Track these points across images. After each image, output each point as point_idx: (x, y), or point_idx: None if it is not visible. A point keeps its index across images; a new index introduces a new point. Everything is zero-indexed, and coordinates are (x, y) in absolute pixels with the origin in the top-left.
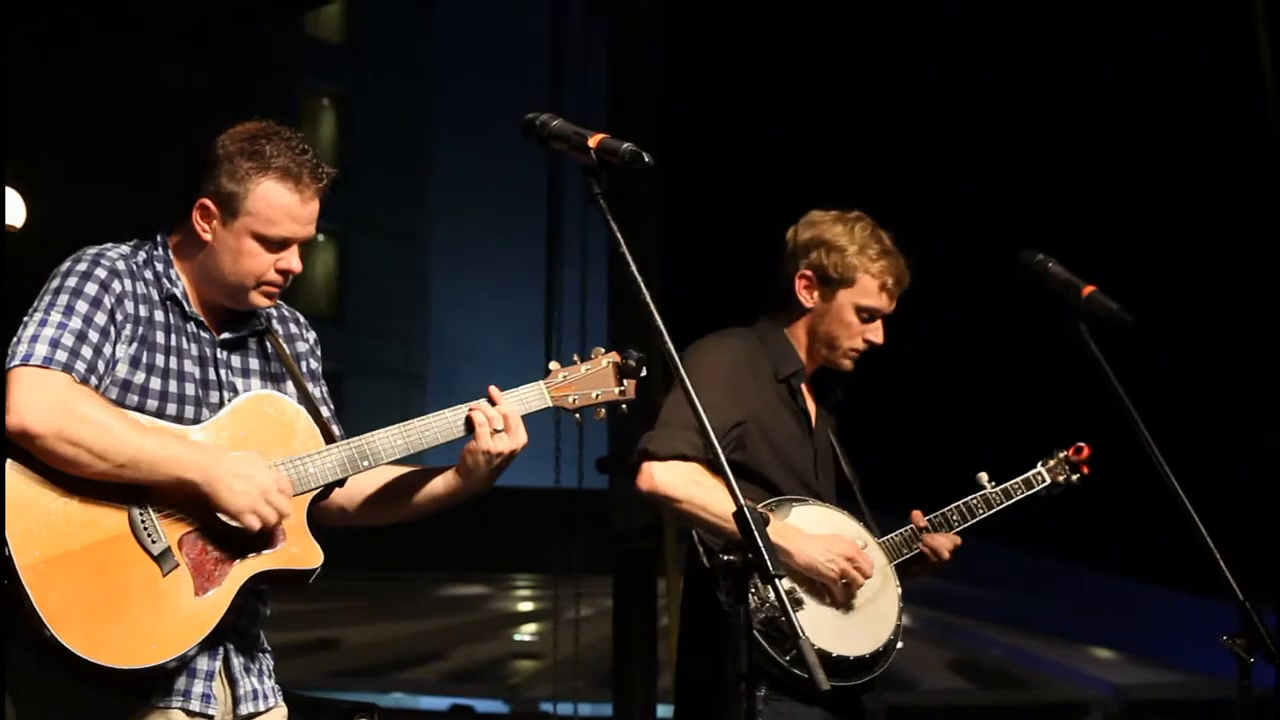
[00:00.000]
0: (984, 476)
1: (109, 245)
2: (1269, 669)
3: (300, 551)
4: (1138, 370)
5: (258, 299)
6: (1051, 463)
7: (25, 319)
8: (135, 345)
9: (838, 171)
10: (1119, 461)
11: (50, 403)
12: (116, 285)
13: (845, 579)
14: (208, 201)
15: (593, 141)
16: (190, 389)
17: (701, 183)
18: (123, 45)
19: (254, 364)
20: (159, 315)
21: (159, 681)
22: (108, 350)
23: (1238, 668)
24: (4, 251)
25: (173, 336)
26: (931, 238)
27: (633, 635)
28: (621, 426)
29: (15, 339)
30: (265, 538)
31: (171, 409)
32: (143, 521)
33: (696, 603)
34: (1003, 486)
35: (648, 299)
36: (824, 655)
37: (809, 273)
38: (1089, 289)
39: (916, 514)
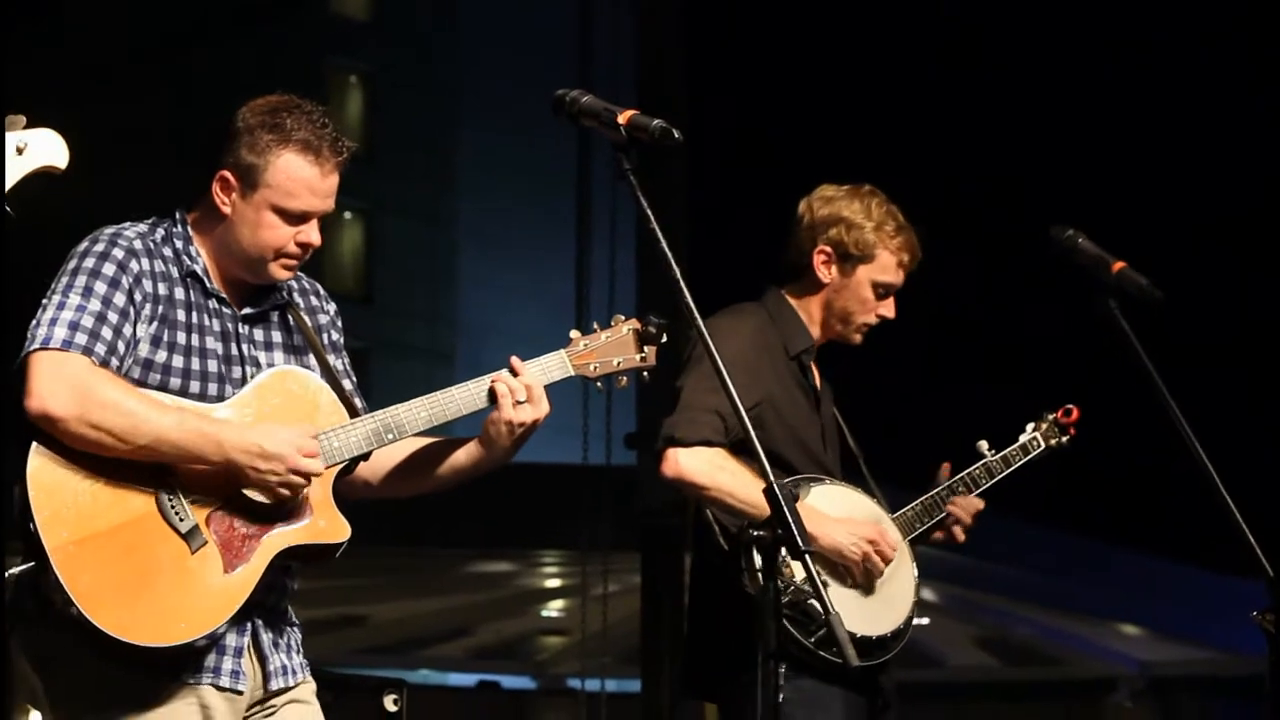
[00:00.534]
0: (984, 445)
1: (125, 224)
2: None
3: (328, 525)
4: (1167, 352)
5: (277, 272)
6: (1043, 426)
7: (43, 302)
8: (156, 324)
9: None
10: (1148, 438)
11: (71, 386)
12: (134, 264)
13: (868, 562)
14: (228, 174)
15: (623, 118)
16: (213, 366)
17: (731, 161)
18: (150, 26)
19: (276, 338)
20: (179, 293)
21: (189, 659)
22: (127, 330)
23: (1268, 644)
24: (5, 247)
25: (194, 314)
26: (945, 221)
27: (661, 611)
28: (649, 402)
29: (34, 322)
30: (292, 512)
31: (195, 387)
32: (170, 500)
33: (709, 583)
34: (1001, 454)
35: (677, 275)
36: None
37: (828, 249)
38: (1119, 265)
39: (946, 466)
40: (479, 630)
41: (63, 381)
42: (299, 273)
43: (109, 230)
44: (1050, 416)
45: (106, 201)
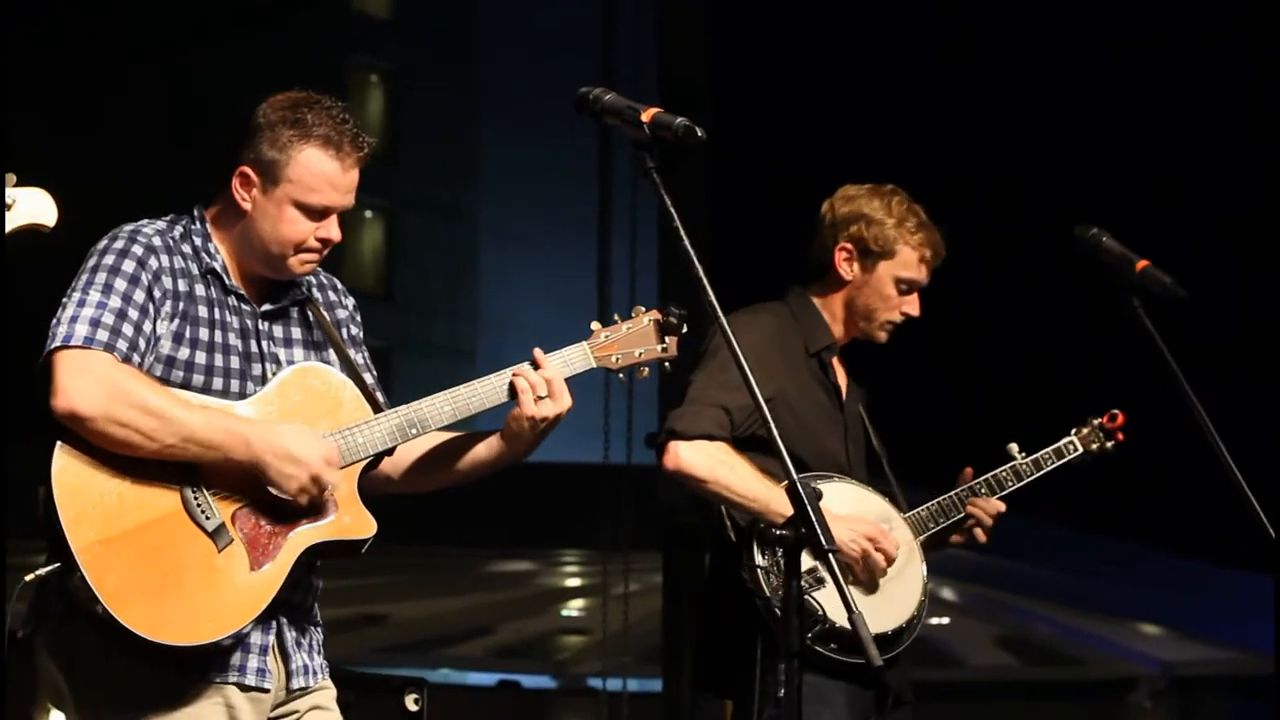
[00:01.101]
0: (1014, 447)
1: (145, 221)
2: None
3: (353, 521)
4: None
5: (297, 267)
6: (1085, 430)
7: (64, 300)
8: (177, 321)
9: (885, 149)
10: (1172, 436)
11: (97, 384)
12: (153, 261)
13: (867, 559)
14: (248, 169)
15: (646, 116)
16: (234, 362)
17: (753, 159)
18: (172, 22)
19: (296, 334)
20: (199, 289)
21: (214, 657)
22: (148, 327)
23: None
24: (4, 251)
25: (214, 310)
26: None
27: (682, 611)
28: (671, 401)
29: (55, 320)
30: (318, 509)
31: (217, 383)
32: (195, 499)
33: (720, 579)
34: (1033, 457)
35: (700, 274)
36: (845, 632)
37: (849, 245)
38: (1143, 264)
39: (968, 470)
40: (500, 629)
41: (89, 379)
42: (317, 268)
43: (128, 227)
44: (1095, 422)
45: (126, 199)
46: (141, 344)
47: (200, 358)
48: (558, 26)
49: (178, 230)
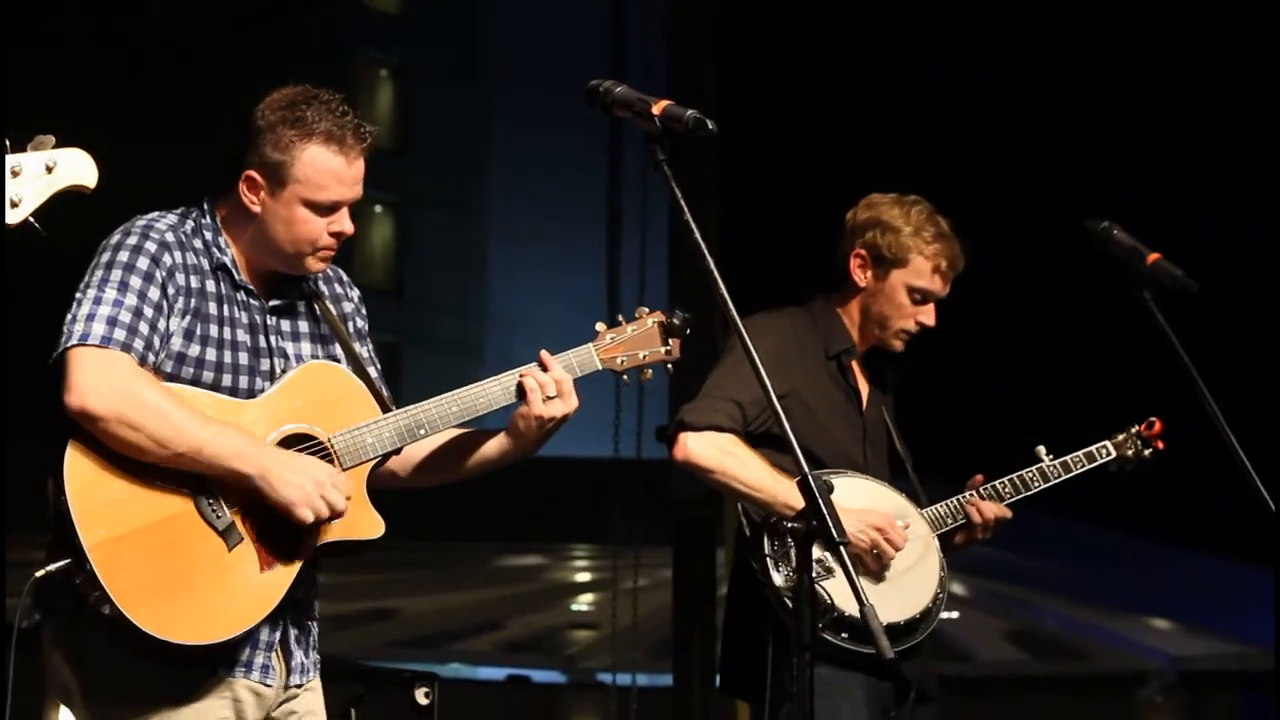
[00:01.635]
0: (1042, 450)
1: (156, 215)
2: None
3: (363, 522)
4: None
5: (314, 264)
6: (1120, 436)
7: (78, 295)
8: (189, 317)
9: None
10: (1182, 429)
11: (112, 385)
12: (167, 258)
13: (876, 549)
14: (254, 173)
15: (657, 108)
16: (244, 358)
17: (762, 155)
18: (183, 19)
19: (303, 328)
20: (210, 285)
21: (223, 654)
22: (162, 325)
23: None
24: (4, 250)
25: (224, 306)
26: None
27: (692, 606)
28: (681, 396)
29: (69, 317)
30: None
31: (226, 380)
32: (206, 497)
33: (739, 578)
34: (1061, 460)
35: (711, 267)
36: (855, 621)
37: (863, 252)
38: (1154, 256)
39: (979, 477)
40: (509, 624)
41: (104, 379)
42: None
43: (141, 221)
44: (1133, 429)
45: (138, 195)
46: (156, 342)
47: (210, 354)
48: (568, 22)
49: (189, 225)
